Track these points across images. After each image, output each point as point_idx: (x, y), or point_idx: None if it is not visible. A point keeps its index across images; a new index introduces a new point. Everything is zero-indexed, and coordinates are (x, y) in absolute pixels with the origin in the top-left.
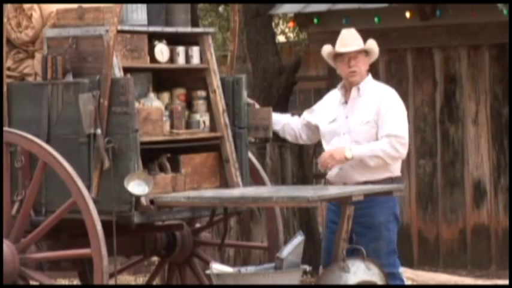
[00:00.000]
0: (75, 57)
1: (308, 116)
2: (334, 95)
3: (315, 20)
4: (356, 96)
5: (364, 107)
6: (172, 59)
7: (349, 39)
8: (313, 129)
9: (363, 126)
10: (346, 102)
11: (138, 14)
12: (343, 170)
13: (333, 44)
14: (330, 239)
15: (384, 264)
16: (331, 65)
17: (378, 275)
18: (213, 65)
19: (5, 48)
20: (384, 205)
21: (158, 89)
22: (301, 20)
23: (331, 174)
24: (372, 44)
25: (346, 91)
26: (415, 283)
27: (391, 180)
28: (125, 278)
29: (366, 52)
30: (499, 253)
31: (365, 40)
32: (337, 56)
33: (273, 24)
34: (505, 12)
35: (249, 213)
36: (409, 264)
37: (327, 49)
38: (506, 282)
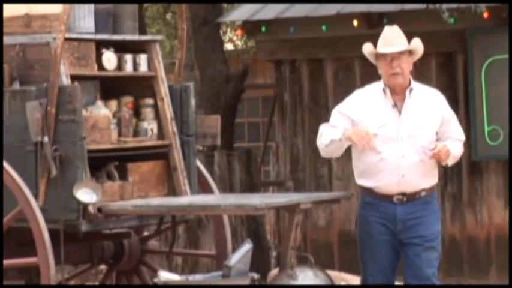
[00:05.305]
0: (22, 65)
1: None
2: (370, 98)
3: (263, 28)
4: (407, 99)
5: (420, 110)
6: (119, 66)
7: (393, 38)
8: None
9: (426, 130)
10: (396, 105)
11: (86, 22)
12: (406, 177)
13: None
14: (381, 246)
15: (431, 274)
16: (278, 74)
17: (325, 281)
18: (161, 72)
19: None
20: (437, 214)
21: (106, 96)
22: (249, 28)
23: (390, 183)
24: (417, 43)
25: (395, 94)
26: None
27: (434, 187)
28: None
29: (410, 52)
30: None
31: (409, 39)
32: (378, 55)
33: (221, 32)
34: (452, 21)
35: (197, 222)
36: None
37: (368, 48)
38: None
